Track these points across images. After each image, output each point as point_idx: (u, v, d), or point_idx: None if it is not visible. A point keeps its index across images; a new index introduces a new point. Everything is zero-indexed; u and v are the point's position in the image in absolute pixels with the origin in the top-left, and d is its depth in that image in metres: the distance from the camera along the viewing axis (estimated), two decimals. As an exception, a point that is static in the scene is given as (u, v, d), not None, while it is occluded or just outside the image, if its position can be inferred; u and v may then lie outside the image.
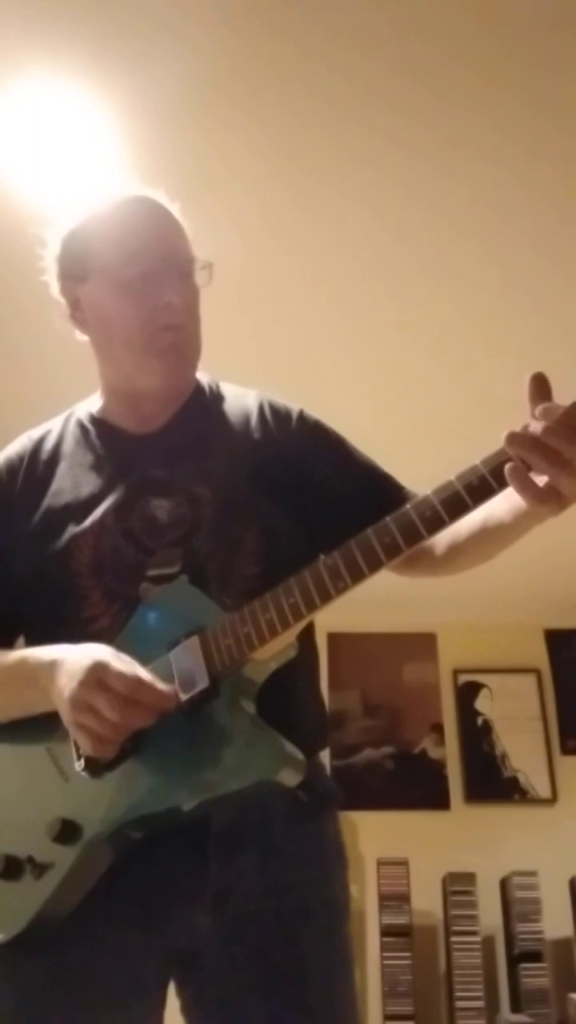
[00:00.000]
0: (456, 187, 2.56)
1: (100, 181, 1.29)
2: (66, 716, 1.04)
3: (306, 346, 3.10)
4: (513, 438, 0.90)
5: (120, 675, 1.02)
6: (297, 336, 3.07)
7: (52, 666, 1.08)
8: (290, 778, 0.99)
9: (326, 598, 1.01)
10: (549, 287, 2.89)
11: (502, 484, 0.93)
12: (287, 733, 1.01)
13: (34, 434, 1.35)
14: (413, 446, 2.83)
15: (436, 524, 0.97)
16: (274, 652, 1.04)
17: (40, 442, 1.32)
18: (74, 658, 1.06)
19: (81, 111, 2.32)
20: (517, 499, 0.94)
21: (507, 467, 0.91)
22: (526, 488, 0.91)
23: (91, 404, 1.35)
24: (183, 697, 1.03)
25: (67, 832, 1.02)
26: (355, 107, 2.34)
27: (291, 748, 0.99)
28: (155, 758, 1.03)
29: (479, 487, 0.94)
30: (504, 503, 1.01)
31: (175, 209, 1.29)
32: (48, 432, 1.34)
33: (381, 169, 2.51)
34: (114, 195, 1.27)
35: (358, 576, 1.00)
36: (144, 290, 1.21)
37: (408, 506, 0.99)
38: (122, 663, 1.04)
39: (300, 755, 1.00)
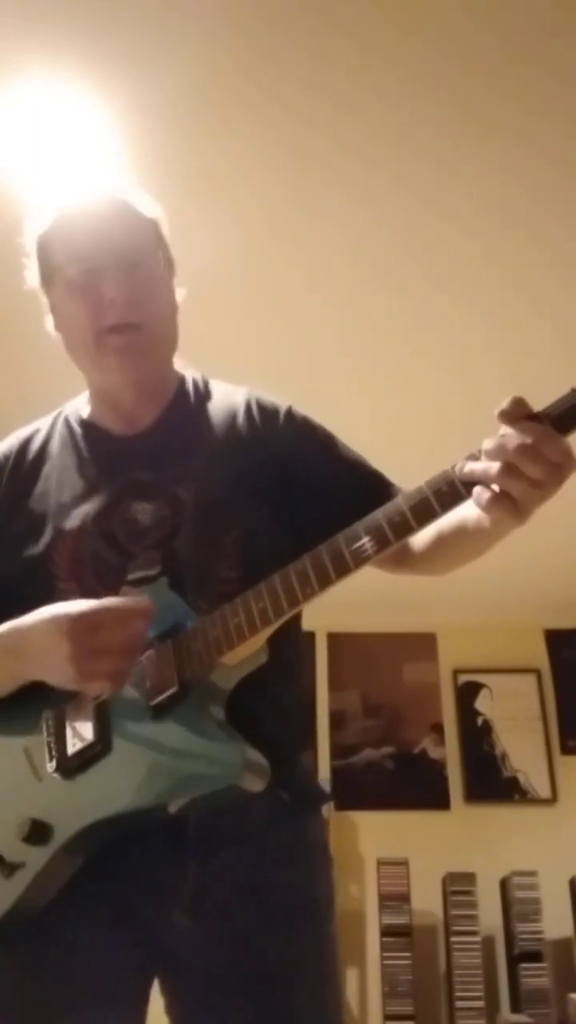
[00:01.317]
0: (459, 189, 2.56)
1: (99, 180, 1.28)
2: (74, 679, 1.02)
3: (307, 345, 3.10)
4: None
5: (98, 608, 1.02)
6: (298, 335, 3.06)
7: (16, 649, 1.06)
8: (253, 784, 0.99)
9: (294, 603, 1.00)
10: (550, 289, 2.90)
11: (471, 490, 0.92)
12: (261, 737, 1.00)
13: (21, 433, 1.33)
14: (413, 448, 2.83)
15: (404, 530, 0.96)
16: (243, 657, 1.04)
17: (27, 442, 1.31)
18: (35, 628, 1.04)
19: (81, 111, 2.32)
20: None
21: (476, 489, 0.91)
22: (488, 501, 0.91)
23: (80, 404, 1.34)
24: (151, 701, 1.03)
25: (37, 832, 1.03)
26: (358, 107, 2.34)
27: (254, 755, 0.99)
28: (125, 760, 1.03)
29: (448, 493, 0.93)
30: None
31: (137, 196, 1.24)
32: (36, 431, 1.33)
33: (383, 169, 2.51)
34: (71, 194, 1.25)
35: (326, 582, 0.99)
36: (88, 287, 1.19)
37: (378, 511, 0.99)
38: (83, 603, 1.03)
39: (264, 761, 1.00)
